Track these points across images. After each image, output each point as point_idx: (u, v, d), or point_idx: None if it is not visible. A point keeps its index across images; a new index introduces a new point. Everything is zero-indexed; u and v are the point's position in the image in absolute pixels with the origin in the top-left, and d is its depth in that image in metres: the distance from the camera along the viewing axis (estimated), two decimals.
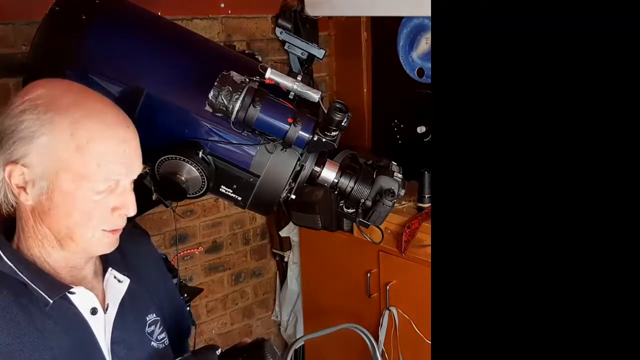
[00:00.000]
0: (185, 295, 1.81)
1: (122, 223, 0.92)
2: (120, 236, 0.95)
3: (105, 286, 0.96)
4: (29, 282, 0.87)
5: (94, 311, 0.91)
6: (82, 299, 0.91)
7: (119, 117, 0.90)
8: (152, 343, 1.00)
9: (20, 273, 0.87)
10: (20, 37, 1.75)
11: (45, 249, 0.90)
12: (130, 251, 1.04)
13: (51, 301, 0.87)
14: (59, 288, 0.89)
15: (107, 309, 0.94)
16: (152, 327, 1.01)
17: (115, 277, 0.97)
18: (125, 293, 0.97)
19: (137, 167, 0.91)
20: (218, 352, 0.96)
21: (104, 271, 0.97)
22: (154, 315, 1.03)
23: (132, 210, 0.91)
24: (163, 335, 1.03)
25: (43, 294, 0.87)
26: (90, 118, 0.85)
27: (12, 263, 0.88)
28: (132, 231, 1.08)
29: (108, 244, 0.93)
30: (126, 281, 0.98)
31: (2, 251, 0.88)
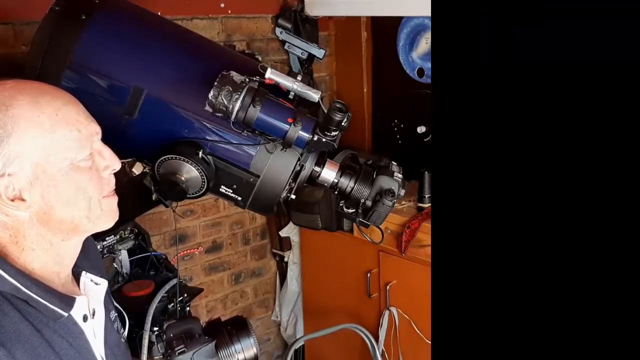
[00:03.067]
0: (185, 295, 1.81)
1: (113, 181, 0.92)
2: None
3: (83, 291, 0.94)
4: (37, 297, 0.81)
5: (85, 318, 0.89)
6: (78, 307, 0.88)
7: (53, 87, 0.88)
8: (121, 339, 1.02)
9: (27, 290, 0.81)
10: (20, 37, 1.75)
11: (54, 247, 0.86)
12: (87, 253, 1.01)
13: (66, 314, 0.83)
14: (69, 299, 0.86)
15: (94, 314, 0.92)
16: (116, 323, 1.02)
17: (92, 281, 0.96)
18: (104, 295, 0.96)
19: (98, 124, 0.90)
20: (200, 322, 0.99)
21: (76, 276, 0.95)
22: (114, 311, 1.03)
23: (117, 163, 0.91)
24: (122, 329, 1.05)
25: (55, 309, 0.83)
26: (41, 95, 0.83)
27: (15, 280, 0.81)
28: None
29: (114, 211, 0.92)
30: (104, 283, 0.96)
31: (2, 269, 0.80)
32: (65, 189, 0.84)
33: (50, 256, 0.87)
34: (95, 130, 0.88)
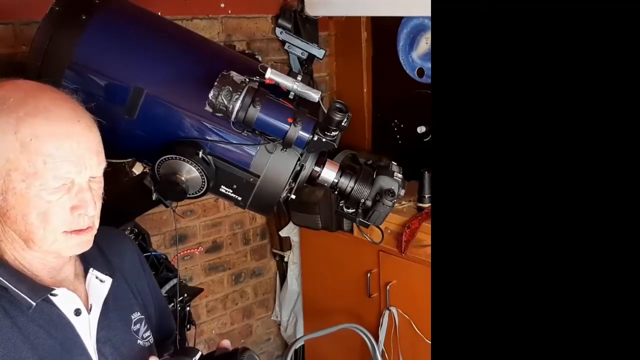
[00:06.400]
0: (185, 295, 1.81)
1: (85, 223, 0.89)
2: (99, 237, 0.93)
3: (87, 287, 0.96)
4: (9, 285, 0.86)
5: (77, 312, 0.91)
6: (64, 300, 0.90)
7: (67, 112, 0.87)
8: (138, 341, 1.01)
9: (0, 277, 0.86)
10: (20, 37, 1.75)
11: (17, 251, 0.89)
12: (111, 251, 1.03)
13: (34, 304, 0.86)
14: (41, 290, 0.88)
15: (90, 310, 0.93)
16: (138, 326, 1.02)
17: (97, 278, 0.97)
18: (109, 292, 0.97)
19: (91, 164, 0.87)
20: (197, 356, 0.94)
21: (85, 272, 0.97)
22: (139, 313, 1.03)
23: (91, 210, 0.88)
24: (148, 333, 1.04)
25: (25, 297, 0.86)
26: (34, 116, 0.83)
27: None
28: (112, 232, 1.08)
29: (76, 245, 0.90)
30: (108, 281, 0.97)
31: None
32: (15, 206, 0.85)
33: (18, 256, 0.89)
34: (74, 171, 0.86)
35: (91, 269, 0.97)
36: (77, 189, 0.87)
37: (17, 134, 0.82)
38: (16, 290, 0.86)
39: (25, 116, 0.83)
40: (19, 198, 0.84)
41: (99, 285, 0.97)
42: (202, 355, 0.95)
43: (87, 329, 0.92)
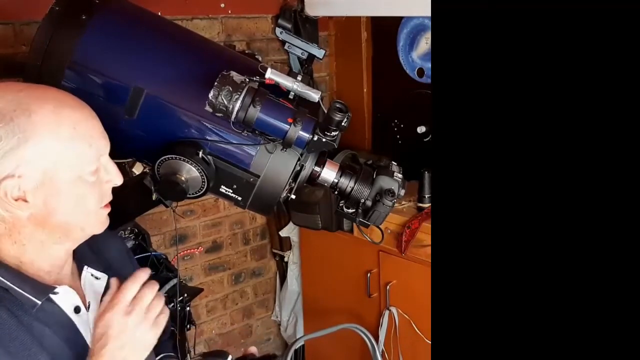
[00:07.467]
0: (185, 295, 1.81)
1: (111, 194, 0.95)
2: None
3: (83, 285, 0.97)
4: (13, 286, 0.86)
5: (77, 309, 0.92)
6: (65, 298, 0.91)
7: (75, 100, 0.91)
8: None
9: (2, 278, 0.86)
10: (20, 37, 1.75)
11: (45, 247, 0.90)
12: (103, 249, 1.05)
13: (39, 302, 0.86)
14: (45, 289, 0.89)
15: (89, 307, 0.94)
16: None
17: (92, 275, 0.99)
18: (105, 289, 0.97)
19: (107, 137, 0.93)
20: (229, 359, 0.95)
21: (79, 270, 0.98)
22: None
23: (119, 179, 0.94)
24: None
25: (29, 297, 0.86)
26: (62, 107, 0.86)
27: None
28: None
29: (105, 221, 0.95)
30: (104, 278, 0.99)
31: None
32: (68, 198, 0.87)
33: (39, 254, 0.90)
34: (105, 146, 0.91)
35: (86, 267, 0.98)
36: (104, 163, 0.92)
37: (60, 127, 0.84)
38: (19, 291, 0.86)
39: (56, 108, 0.85)
40: (71, 189, 0.87)
41: (95, 282, 0.98)
42: (233, 358, 0.97)
43: (86, 326, 0.93)
